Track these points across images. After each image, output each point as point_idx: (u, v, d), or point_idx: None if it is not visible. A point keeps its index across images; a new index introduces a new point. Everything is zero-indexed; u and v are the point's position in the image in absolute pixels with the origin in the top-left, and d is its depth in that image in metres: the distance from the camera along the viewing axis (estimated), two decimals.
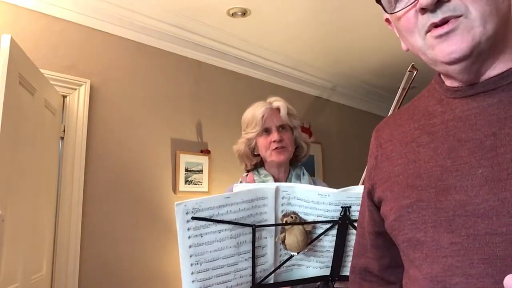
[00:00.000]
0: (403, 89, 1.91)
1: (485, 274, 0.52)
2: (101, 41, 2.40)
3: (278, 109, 1.49)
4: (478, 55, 0.55)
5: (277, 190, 0.96)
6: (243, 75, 3.21)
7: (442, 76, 0.65)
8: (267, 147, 1.48)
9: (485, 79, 0.58)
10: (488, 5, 0.53)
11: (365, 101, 4.37)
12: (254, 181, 1.51)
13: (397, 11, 0.59)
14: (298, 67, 3.50)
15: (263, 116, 1.46)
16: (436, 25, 0.55)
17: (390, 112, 1.93)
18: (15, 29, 2.03)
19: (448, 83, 0.63)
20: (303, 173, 1.53)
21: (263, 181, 1.49)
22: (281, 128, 1.48)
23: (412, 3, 0.56)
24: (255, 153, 1.54)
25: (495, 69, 0.57)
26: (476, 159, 0.56)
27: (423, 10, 0.55)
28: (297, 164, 1.57)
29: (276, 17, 2.66)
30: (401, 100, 1.91)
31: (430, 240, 0.58)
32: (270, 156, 1.48)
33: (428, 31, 0.56)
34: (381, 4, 0.61)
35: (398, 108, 1.87)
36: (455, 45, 0.54)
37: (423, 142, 0.63)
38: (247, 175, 1.57)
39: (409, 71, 1.98)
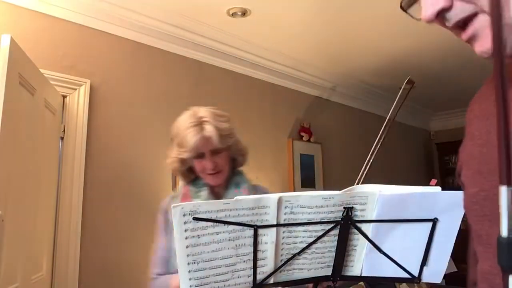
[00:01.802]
0: (397, 104, 1.86)
1: None
2: (101, 41, 2.40)
3: (210, 137, 1.39)
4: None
5: (280, 200, 0.95)
6: (243, 75, 3.21)
7: None
8: (201, 171, 1.43)
9: None
10: None
11: (365, 101, 4.37)
12: (189, 192, 1.47)
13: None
14: (298, 67, 3.50)
15: (194, 145, 1.37)
16: None
17: (384, 124, 1.87)
18: (15, 29, 2.02)
19: None
20: (244, 181, 1.48)
21: (198, 191, 1.45)
22: (215, 152, 1.40)
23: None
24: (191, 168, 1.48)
25: None
26: None
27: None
28: (237, 170, 1.51)
29: (276, 17, 2.66)
30: (395, 113, 1.87)
31: (485, 234, 0.55)
32: (205, 178, 1.44)
33: None
34: None
35: (392, 121, 1.84)
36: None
37: None
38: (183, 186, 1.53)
39: (405, 85, 1.92)
